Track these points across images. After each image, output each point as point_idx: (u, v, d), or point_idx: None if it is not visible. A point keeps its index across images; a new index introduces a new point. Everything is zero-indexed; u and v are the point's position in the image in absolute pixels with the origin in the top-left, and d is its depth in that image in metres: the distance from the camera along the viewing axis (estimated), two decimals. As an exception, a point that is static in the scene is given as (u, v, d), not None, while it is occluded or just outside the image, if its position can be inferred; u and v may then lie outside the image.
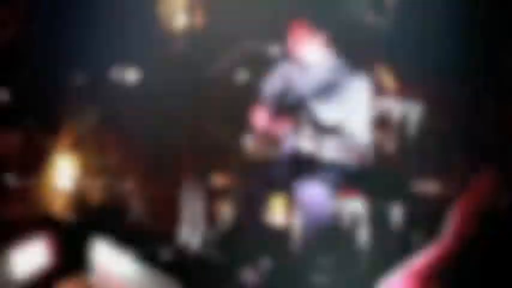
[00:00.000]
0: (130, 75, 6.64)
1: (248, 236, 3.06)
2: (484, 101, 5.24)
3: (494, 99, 4.86)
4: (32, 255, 3.14)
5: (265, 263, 3.12)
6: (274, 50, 3.11)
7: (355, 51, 4.88)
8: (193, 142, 3.31)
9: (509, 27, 4.29)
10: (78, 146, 6.41)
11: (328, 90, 3.02)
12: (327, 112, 3.01)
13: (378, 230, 3.47)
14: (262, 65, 3.49)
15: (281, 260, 3.28)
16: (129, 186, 6.02)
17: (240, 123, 3.52)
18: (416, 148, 3.44)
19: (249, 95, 3.44)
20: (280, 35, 3.13)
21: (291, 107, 3.10)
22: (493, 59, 4.45)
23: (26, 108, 6.17)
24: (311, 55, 3.06)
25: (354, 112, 2.96)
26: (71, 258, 3.44)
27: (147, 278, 2.79)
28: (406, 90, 5.40)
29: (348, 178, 2.97)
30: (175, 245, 3.32)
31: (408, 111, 3.31)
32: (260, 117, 3.20)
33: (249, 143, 3.22)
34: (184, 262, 3.21)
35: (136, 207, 4.53)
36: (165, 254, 3.22)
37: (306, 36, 3.01)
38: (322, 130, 2.80)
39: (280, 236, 3.76)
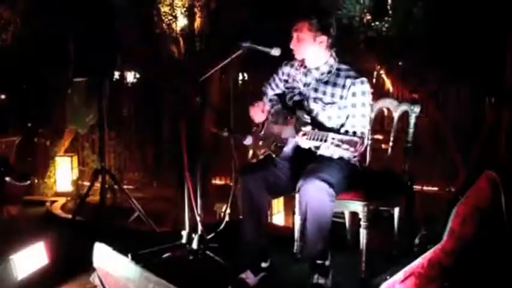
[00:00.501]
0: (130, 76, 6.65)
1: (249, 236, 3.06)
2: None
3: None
4: (32, 256, 3.13)
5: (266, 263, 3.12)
6: (275, 51, 3.10)
7: (355, 53, 4.90)
8: (193, 142, 3.30)
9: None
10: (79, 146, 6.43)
11: (329, 91, 3.02)
12: (327, 113, 3.00)
13: (378, 230, 3.47)
14: (263, 66, 3.48)
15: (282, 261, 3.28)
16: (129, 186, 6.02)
17: (241, 123, 3.52)
18: (416, 149, 3.44)
19: (248, 96, 3.44)
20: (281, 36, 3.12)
21: (291, 108, 3.10)
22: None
23: (27, 109, 6.18)
24: (312, 56, 3.06)
25: (354, 113, 2.95)
26: (71, 259, 3.44)
27: (146, 279, 2.78)
28: (406, 91, 5.41)
29: (349, 179, 2.96)
30: (175, 246, 3.31)
31: (408, 112, 3.31)
32: (261, 105, 3.19)
33: (250, 143, 3.21)
34: (184, 263, 3.20)
35: (136, 208, 4.52)
36: (165, 255, 3.22)
37: (307, 37, 3.01)
38: (323, 129, 2.79)
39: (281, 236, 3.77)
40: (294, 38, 3.04)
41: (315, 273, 2.90)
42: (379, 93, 5.27)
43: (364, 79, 3.00)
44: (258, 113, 3.21)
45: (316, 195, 2.77)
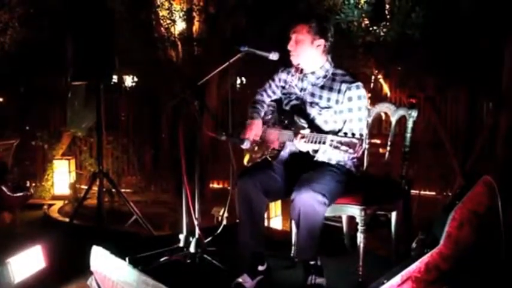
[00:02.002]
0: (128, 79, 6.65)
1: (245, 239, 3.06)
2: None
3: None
4: (29, 260, 3.13)
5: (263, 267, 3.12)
6: (274, 55, 3.11)
7: (354, 57, 4.91)
8: (192, 146, 3.30)
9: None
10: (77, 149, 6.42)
11: (325, 95, 3.02)
12: (324, 117, 3.01)
13: (375, 235, 3.47)
14: (261, 69, 3.49)
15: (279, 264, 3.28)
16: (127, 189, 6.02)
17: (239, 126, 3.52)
18: (414, 153, 3.44)
19: (247, 99, 3.44)
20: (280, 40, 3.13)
21: (289, 113, 3.10)
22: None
23: (25, 112, 6.18)
24: (308, 60, 3.06)
25: (351, 118, 2.96)
26: (68, 262, 3.44)
27: (144, 282, 2.78)
28: (403, 95, 5.43)
29: (344, 185, 2.97)
30: (173, 249, 3.31)
31: (405, 116, 3.31)
32: (257, 125, 3.20)
33: (247, 147, 3.21)
34: (181, 266, 3.20)
35: (134, 211, 4.53)
36: (162, 258, 3.21)
37: (305, 39, 3.02)
38: (320, 133, 2.80)
39: (279, 240, 3.77)
40: (292, 39, 3.06)
41: (310, 274, 2.91)
42: (377, 97, 5.29)
43: (360, 83, 3.01)
44: (252, 135, 3.20)
45: (309, 205, 2.79)
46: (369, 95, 4.09)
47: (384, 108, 3.47)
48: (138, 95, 6.42)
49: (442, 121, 5.21)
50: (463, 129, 5.36)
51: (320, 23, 3.04)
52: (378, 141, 4.01)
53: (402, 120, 3.37)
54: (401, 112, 3.34)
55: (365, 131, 3.07)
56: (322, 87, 3.06)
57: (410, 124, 3.29)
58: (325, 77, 3.07)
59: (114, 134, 6.24)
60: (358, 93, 2.98)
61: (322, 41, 3.03)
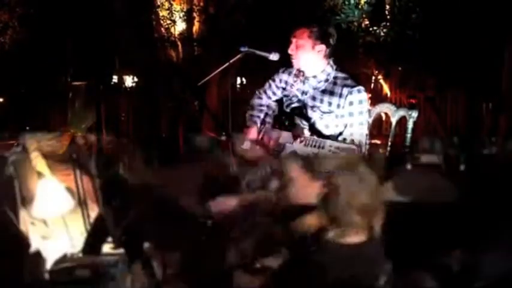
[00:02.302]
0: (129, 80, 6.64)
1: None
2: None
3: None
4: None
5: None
6: (274, 56, 3.09)
7: (353, 59, 4.91)
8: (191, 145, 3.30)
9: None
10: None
11: (326, 99, 3.00)
12: (325, 122, 2.99)
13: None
14: (261, 71, 3.47)
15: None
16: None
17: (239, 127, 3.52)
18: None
19: (246, 100, 3.43)
20: (280, 43, 3.12)
21: (290, 115, 3.09)
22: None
23: (25, 112, 6.17)
24: (309, 64, 3.04)
25: (352, 122, 2.94)
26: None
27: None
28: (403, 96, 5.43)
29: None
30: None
31: (405, 117, 3.30)
32: (255, 130, 3.19)
33: (247, 148, 3.20)
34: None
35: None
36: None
37: (306, 44, 2.99)
38: (320, 137, 2.79)
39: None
40: (293, 43, 3.03)
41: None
42: (377, 98, 5.29)
43: (361, 88, 2.98)
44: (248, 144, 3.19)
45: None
46: (369, 95, 4.05)
47: (384, 108, 3.45)
48: (138, 95, 6.41)
49: (442, 121, 5.21)
50: (463, 130, 5.36)
51: (321, 28, 3.00)
52: (378, 142, 4.01)
53: (402, 121, 3.36)
54: (402, 113, 3.32)
55: (366, 135, 3.07)
56: (324, 92, 3.04)
57: (410, 125, 3.27)
58: (326, 80, 3.05)
59: (114, 134, 6.23)
60: (359, 98, 2.96)
61: (323, 47, 3.00)
